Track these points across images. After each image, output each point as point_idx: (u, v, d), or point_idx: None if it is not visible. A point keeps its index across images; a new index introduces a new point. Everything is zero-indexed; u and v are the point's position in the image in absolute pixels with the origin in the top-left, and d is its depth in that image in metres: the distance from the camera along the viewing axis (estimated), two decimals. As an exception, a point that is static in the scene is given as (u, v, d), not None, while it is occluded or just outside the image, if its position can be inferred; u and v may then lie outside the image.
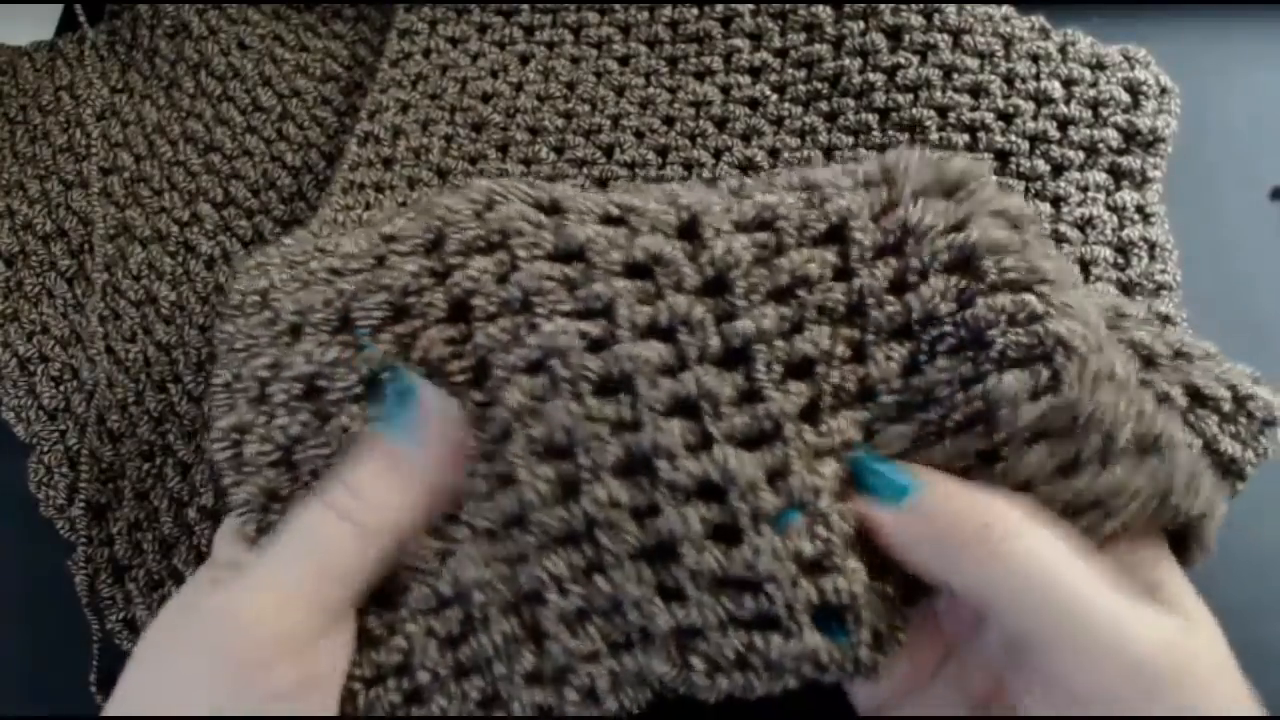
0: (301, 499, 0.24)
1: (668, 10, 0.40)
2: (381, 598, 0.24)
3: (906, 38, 0.36)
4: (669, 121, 0.38)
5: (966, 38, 0.35)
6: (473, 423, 0.24)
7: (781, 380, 0.22)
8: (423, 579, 0.24)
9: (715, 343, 0.22)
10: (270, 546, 0.23)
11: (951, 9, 0.36)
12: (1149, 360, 0.24)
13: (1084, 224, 0.33)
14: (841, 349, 0.23)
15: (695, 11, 0.40)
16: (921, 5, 0.36)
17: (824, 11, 0.37)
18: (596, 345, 0.23)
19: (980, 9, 0.36)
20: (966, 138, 0.34)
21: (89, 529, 0.37)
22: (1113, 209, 0.33)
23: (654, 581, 0.22)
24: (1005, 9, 0.36)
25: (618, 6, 0.41)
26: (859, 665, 0.21)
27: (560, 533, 0.22)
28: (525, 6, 0.42)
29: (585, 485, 0.22)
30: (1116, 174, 0.34)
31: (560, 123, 0.39)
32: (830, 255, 0.23)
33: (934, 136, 0.35)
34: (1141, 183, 0.33)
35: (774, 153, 0.37)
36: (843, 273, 0.23)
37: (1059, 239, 0.33)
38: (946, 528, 0.20)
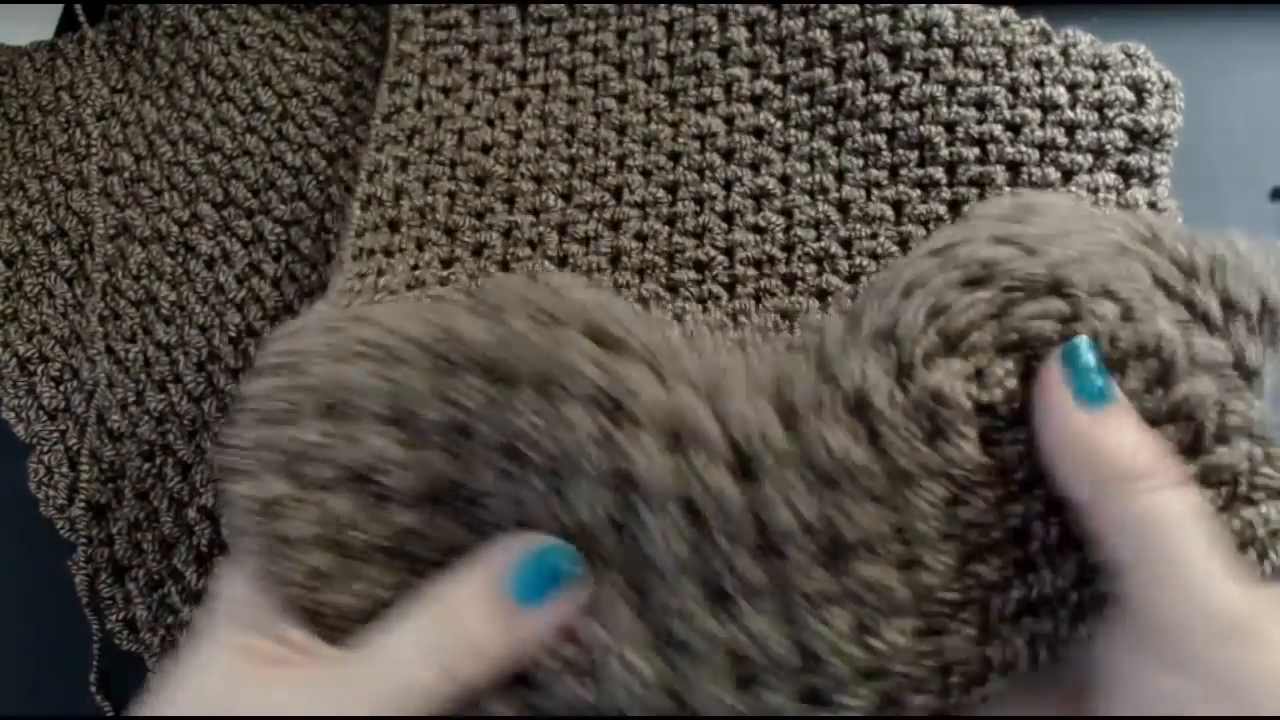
0: (394, 619, 0.23)
1: (663, 43, 0.39)
2: None
3: (907, 55, 0.35)
4: (675, 157, 0.37)
5: (967, 50, 0.35)
6: None
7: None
8: None
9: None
10: (353, 662, 0.22)
11: (950, 21, 0.35)
12: (1190, 272, 0.24)
13: None
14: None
15: (691, 44, 0.39)
16: (919, 21, 0.35)
17: (822, 35, 0.37)
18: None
19: (979, 17, 0.35)
20: (977, 151, 0.34)
21: (89, 529, 0.37)
22: (1124, 208, 0.33)
23: None
24: (1005, 11, 0.36)
25: (611, 44, 0.40)
26: None
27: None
28: (517, 51, 0.41)
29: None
30: (1125, 173, 0.33)
31: (565, 169, 0.38)
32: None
33: (944, 152, 0.34)
34: (1150, 179, 0.33)
35: (785, 180, 0.36)
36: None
37: None
38: (1118, 455, 0.20)
